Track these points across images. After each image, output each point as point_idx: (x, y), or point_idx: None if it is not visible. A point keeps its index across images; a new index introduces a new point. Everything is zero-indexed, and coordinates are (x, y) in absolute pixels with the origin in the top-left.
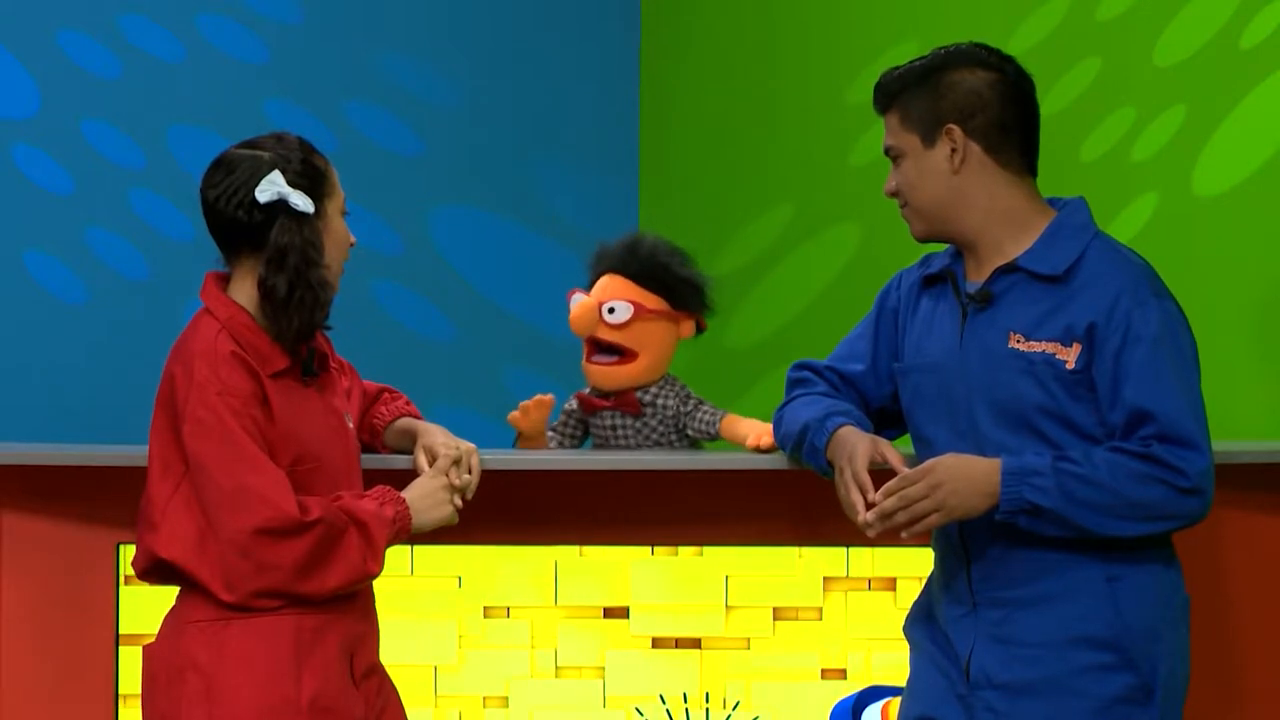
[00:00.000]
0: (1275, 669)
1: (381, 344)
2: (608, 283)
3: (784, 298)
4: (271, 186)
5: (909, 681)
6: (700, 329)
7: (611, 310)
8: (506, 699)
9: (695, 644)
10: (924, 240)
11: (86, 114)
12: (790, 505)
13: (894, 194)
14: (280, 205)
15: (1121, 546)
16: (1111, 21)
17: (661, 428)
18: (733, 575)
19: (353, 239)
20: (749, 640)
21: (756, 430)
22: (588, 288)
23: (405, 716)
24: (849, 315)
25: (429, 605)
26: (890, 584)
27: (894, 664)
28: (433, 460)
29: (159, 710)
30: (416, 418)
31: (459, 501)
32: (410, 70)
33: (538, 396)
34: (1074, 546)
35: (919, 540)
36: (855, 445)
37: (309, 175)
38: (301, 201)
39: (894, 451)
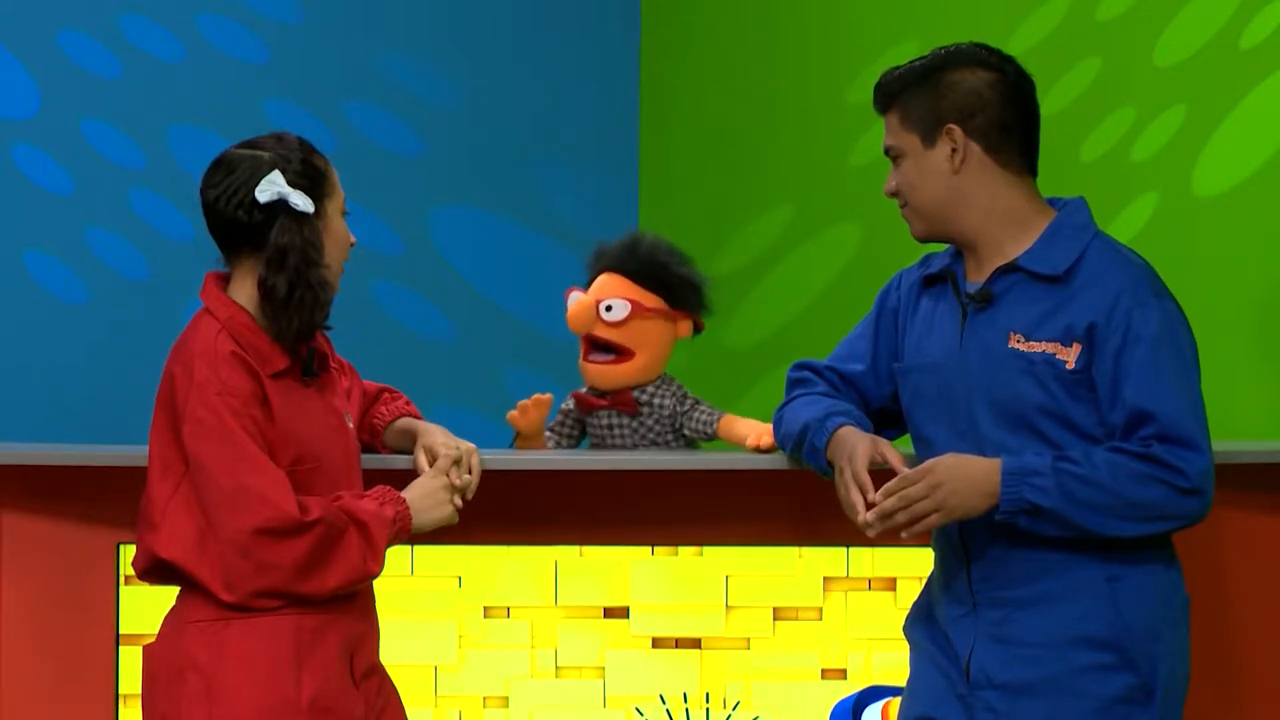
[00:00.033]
0: (1275, 669)
1: (381, 344)
2: (606, 281)
3: (784, 298)
4: (271, 186)
5: (909, 681)
6: (698, 329)
7: (609, 308)
8: (506, 699)
9: (695, 644)
10: (924, 240)
11: (86, 114)
12: (790, 505)
13: (894, 194)
14: (280, 205)
15: (1121, 546)
16: (1111, 21)
17: (658, 427)
18: (733, 575)
19: (353, 239)
20: (749, 640)
21: (756, 430)
22: (586, 287)
23: (405, 716)
24: (849, 315)
25: (429, 605)
26: (890, 584)
27: (894, 664)
28: (433, 460)
29: (159, 710)
30: (416, 418)
31: (459, 501)
32: (410, 70)
33: (536, 396)
34: (1074, 546)
35: (919, 540)
36: (855, 445)
37: (309, 175)
38: (301, 201)
39: (894, 451)
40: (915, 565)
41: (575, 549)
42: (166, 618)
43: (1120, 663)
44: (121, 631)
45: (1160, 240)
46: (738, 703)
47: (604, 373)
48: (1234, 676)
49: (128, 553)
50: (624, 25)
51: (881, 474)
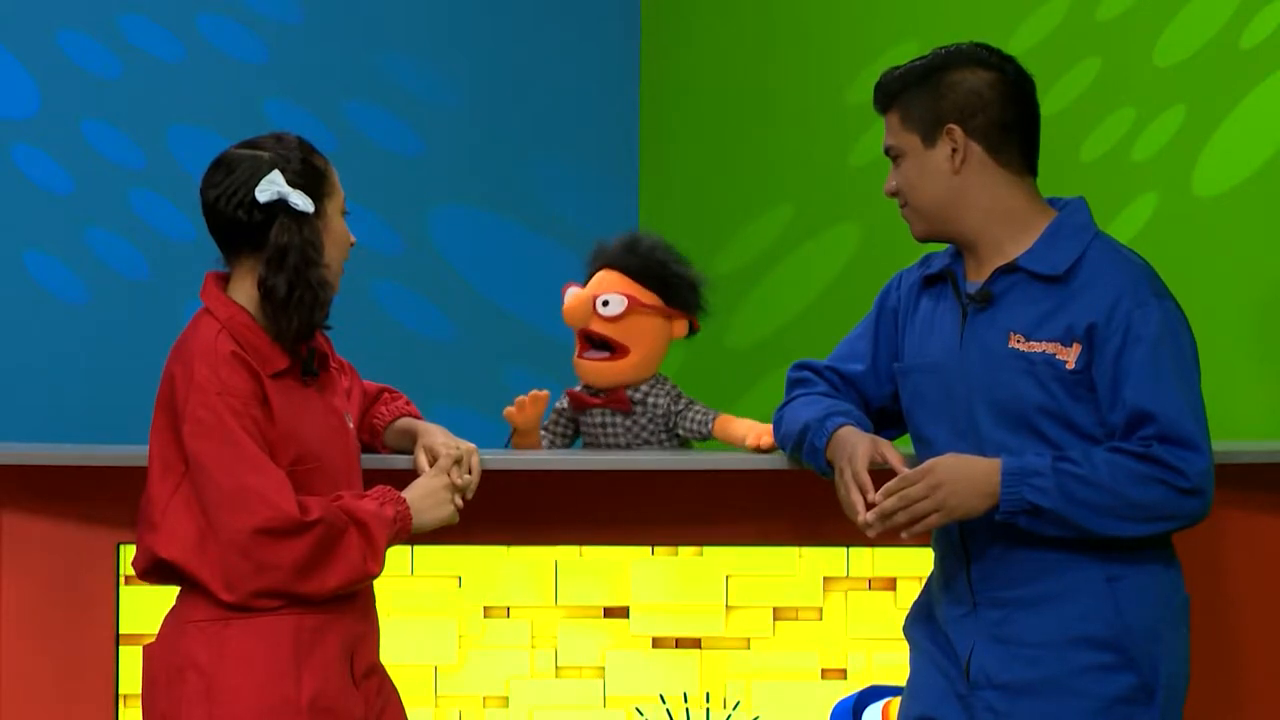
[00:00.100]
0: (1275, 669)
1: (381, 344)
2: (604, 276)
3: (784, 298)
4: (271, 186)
5: (909, 681)
6: (693, 330)
7: (606, 303)
8: (506, 699)
9: (695, 644)
10: (924, 240)
11: (86, 114)
12: (790, 505)
13: (894, 194)
14: (280, 205)
15: (1121, 546)
16: (1111, 21)
17: (652, 426)
18: (733, 575)
19: (353, 239)
20: (749, 640)
21: (754, 430)
22: (585, 284)
23: (405, 716)
24: (849, 315)
25: (429, 605)
26: (890, 584)
27: (894, 664)
28: (433, 460)
29: (159, 710)
30: (416, 417)
31: (460, 501)
32: (410, 70)
33: (533, 392)
34: (1074, 546)
35: (919, 540)
36: (855, 445)
37: (309, 175)
38: (301, 201)
39: (894, 451)
40: (915, 565)
41: (575, 549)
42: (166, 618)
43: (1120, 663)
44: (121, 631)
45: (1160, 240)
46: (738, 703)
47: (598, 369)
48: (1234, 676)
49: (128, 553)
50: (624, 25)
51: (882, 474)
